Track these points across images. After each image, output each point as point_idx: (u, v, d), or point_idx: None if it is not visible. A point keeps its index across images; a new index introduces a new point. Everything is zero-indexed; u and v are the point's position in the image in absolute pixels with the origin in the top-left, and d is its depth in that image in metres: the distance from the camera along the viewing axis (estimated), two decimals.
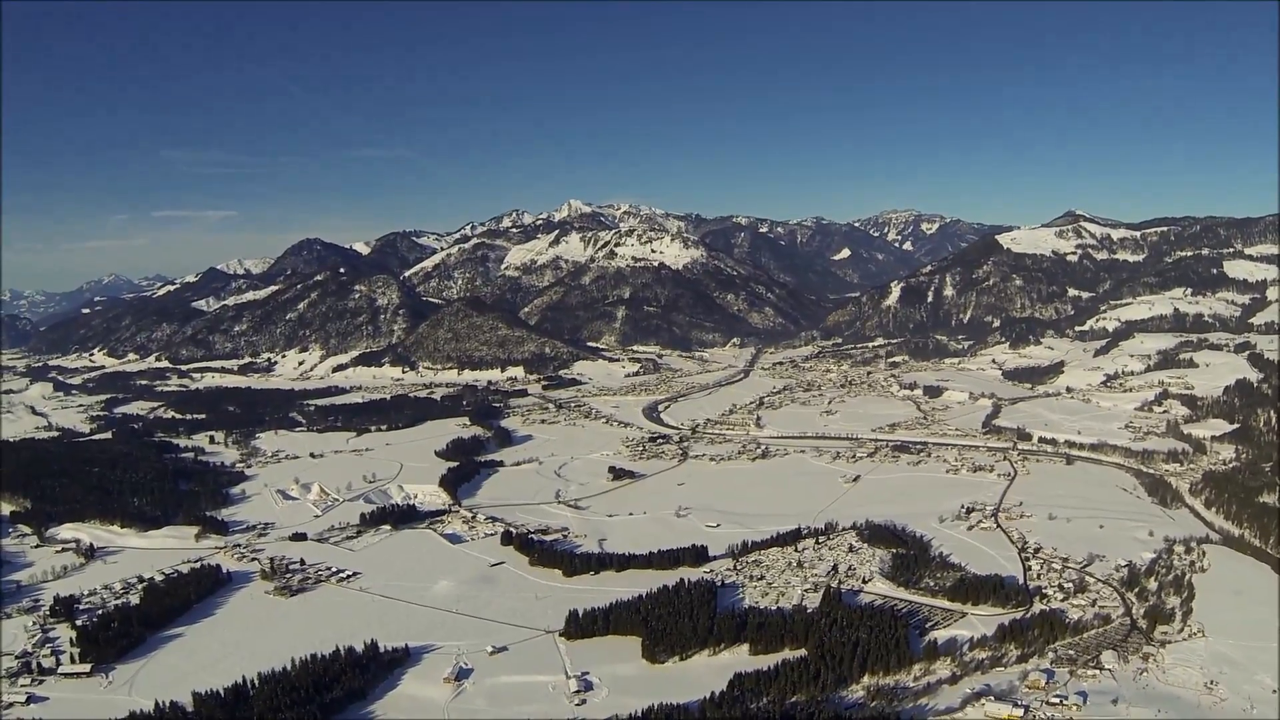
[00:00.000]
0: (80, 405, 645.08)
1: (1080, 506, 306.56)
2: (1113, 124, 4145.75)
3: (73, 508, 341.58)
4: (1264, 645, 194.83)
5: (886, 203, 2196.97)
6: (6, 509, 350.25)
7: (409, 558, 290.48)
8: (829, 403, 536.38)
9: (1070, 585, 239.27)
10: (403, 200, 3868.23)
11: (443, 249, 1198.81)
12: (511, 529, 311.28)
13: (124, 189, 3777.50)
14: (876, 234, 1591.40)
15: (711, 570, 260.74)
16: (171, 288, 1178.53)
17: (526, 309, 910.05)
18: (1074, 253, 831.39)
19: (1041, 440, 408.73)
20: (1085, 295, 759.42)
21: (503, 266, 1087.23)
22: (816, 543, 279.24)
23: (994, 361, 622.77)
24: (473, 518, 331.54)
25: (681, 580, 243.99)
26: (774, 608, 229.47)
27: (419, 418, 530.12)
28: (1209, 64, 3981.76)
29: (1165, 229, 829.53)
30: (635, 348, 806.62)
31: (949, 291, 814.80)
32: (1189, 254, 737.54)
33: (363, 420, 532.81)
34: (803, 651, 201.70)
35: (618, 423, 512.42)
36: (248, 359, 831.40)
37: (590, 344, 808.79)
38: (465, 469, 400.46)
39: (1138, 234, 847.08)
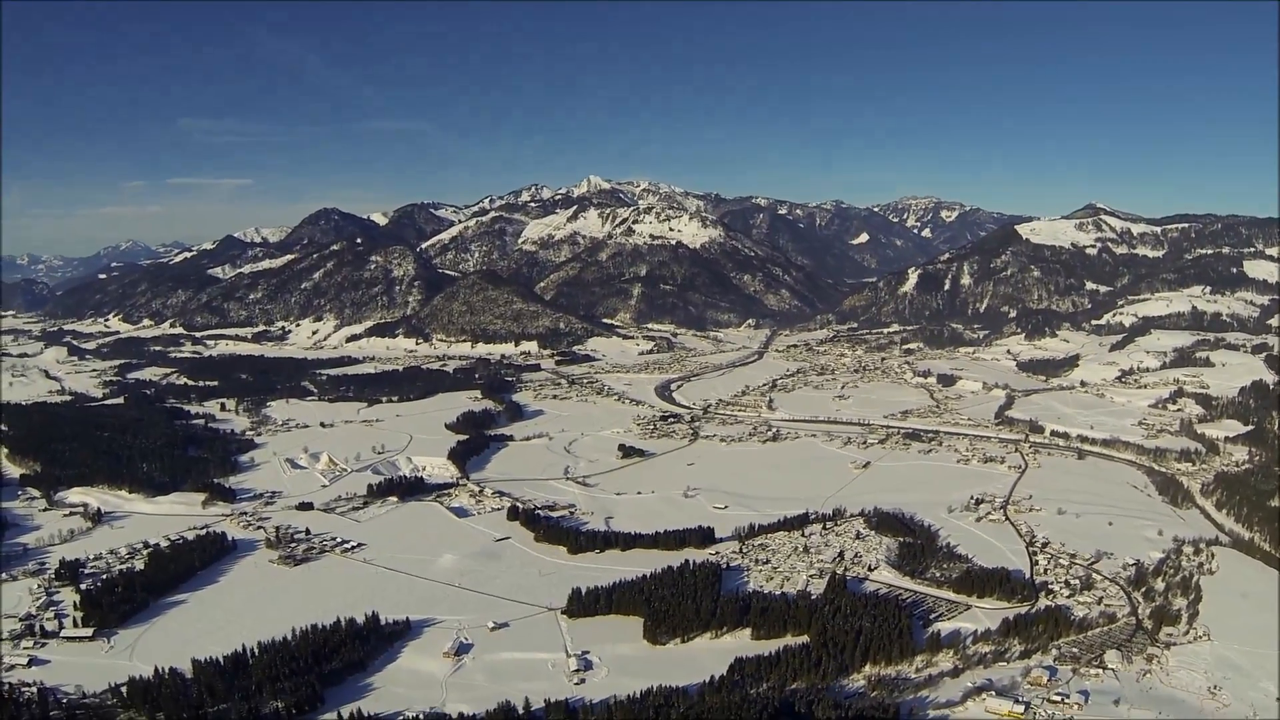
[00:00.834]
0: (94, 370, 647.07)
1: (1090, 502, 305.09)
2: (1137, 118, 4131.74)
3: (82, 472, 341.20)
4: (1270, 652, 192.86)
5: (907, 188, 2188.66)
6: (16, 472, 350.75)
7: (414, 530, 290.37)
8: (842, 387, 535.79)
9: (1077, 582, 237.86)
10: (421, 173, 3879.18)
11: (460, 222, 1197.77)
12: (518, 504, 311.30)
13: (141, 156, 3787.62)
14: (896, 220, 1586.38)
15: (717, 552, 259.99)
16: (188, 255, 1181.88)
17: (542, 284, 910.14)
18: (1093, 246, 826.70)
19: (1054, 433, 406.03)
20: (1103, 289, 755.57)
21: (520, 241, 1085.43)
22: (824, 528, 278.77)
23: (1009, 352, 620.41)
24: (480, 491, 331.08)
25: (686, 561, 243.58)
26: (778, 592, 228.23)
27: (430, 390, 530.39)
28: (1236, 61, 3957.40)
29: (1186, 225, 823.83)
30: (650, 326, 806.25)
31: (966, 280, 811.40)
32: (1209, 252, 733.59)
33: (374, 391, 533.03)
34: (805, 638, 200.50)
35: (630, 400, 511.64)
36: (262, 327, 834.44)
37: (605, 321, 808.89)
38: (475, 442, 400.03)
39: (1158, 229, 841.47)
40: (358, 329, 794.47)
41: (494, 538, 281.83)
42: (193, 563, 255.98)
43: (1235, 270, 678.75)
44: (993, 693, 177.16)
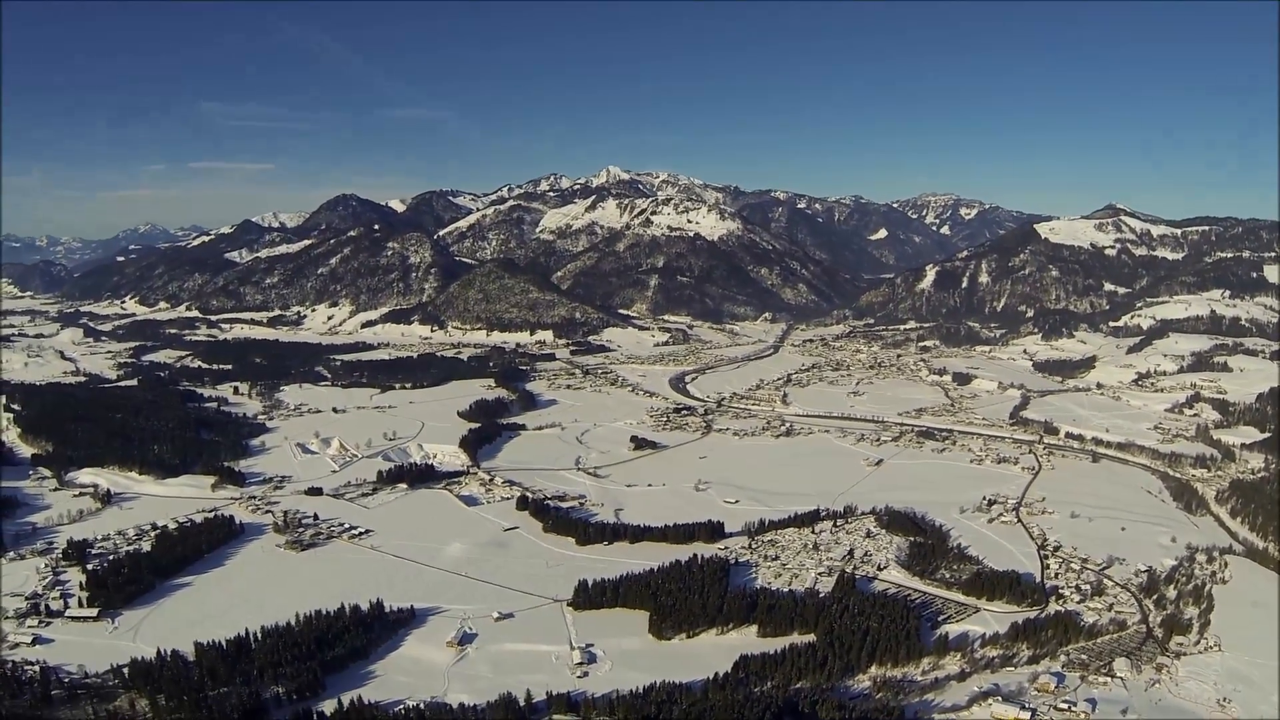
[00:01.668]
0: (109, 352, 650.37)
1: (1103, 506, 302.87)
2: (1159, 118, 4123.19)
3: (93, 452, 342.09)
4: None
5: (926, 185, 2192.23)
6: (28, 451, 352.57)
7: (423, 518, 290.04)
8: (857, 383, 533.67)
9: (1088, 587, 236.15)
10: (441, 161, 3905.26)
11: (478, 210, 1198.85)
12: (528, 494, 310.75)
13: (162, 140, 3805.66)
14: (915, 216, 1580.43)
15: (726, 547, 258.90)
16: (206, 238, 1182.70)
17: (559, 273, 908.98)
18: (1112, 246, 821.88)
19: (1068, 435, 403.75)
20: (1121, 290, 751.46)
21: (538, 230, 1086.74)
22: (834, 525, 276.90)
23: (1025, 352, 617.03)
24: (490, 480, 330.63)
25: (695, 556, 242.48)
26: (786, 590, 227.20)
27: (444, 377, 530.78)
28: (1262, 61, 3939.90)
29: (1206, 228, 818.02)
30: (666, 317, 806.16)
31: (984, 278, 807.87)
32: (1229, 255, 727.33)
33: (388, 377, 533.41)
34: (812, 637, 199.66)
35: (643, 392, 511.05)
36: (277, 311, 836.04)
37: (621, 311, 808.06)
38: (487, 431, 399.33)
39: (1178, 231, 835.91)
40: (373, 315, 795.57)
41: (503, 527, 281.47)
42: (200, 545, 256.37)
43: (1255, 275, 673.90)
44: (999, 698, 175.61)
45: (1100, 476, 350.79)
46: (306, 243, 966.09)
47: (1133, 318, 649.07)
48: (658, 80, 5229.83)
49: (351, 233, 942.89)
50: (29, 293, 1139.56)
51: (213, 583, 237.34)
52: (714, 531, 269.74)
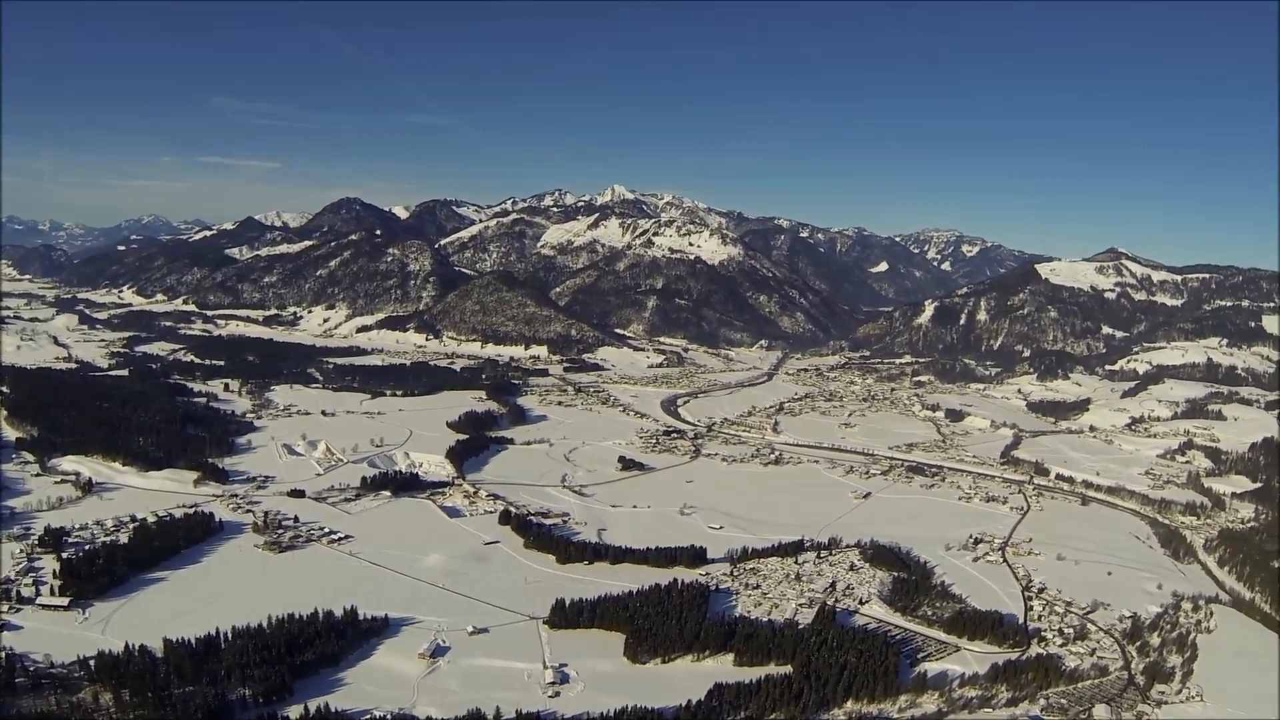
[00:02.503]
0: (102, 340, 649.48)
1: (1090, 550, 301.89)
2: (1163, 164, 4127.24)
3: (78, 440, 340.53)
4: (1264, 718, 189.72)
5: (929, 220, 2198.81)
6: (13, 435, 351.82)
7: (404, 526, 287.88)
8: (849, 415, 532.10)
9: (1071, 631, 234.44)
10: (447, 169, 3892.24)
11: (481, 221, 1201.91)
12: (511, 508, 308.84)
13: (173, 132, 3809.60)
14: (916, 250, 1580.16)
15: (708, 573, 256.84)
16: (208, 233, 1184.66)
17: (558, 289, 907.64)
18: (1112, 290, 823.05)
19: (1059, 477, 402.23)
20: (1119, 334, 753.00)
21: (539, 244, 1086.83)
22: (818, 557, 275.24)
23: (1020, 391, 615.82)
24: (474, 493, 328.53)
25: (675, 580, 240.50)
26: (765, 619, 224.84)
27: (436, 386, 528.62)
28: (1266, 110, 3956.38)
29: (1207, 276, 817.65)
30: (662, 339, 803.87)
31: (982, 316, 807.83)
32: (1228, 304, 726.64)
33: (379, 383, 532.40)
34: (788, 668, 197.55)
35: (634, 413, 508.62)
36: (273, 311, 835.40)
37: (618, 331, 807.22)
38: (474, 443, 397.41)
39: (1178, 278, 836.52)
40: (369, 320, 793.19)
41: (483, 540, 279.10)
42: (177, 541, 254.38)
43: (1254, 324, 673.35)
44: None
45: (1089, 519, 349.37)
46: (307, 244, 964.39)
47: (1129, 362, 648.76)
48: (667, 101, 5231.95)
49: (353, 236, 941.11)
50: (28, 276, 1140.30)
51: (187, 579, 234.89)
52: (696, 557, 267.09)
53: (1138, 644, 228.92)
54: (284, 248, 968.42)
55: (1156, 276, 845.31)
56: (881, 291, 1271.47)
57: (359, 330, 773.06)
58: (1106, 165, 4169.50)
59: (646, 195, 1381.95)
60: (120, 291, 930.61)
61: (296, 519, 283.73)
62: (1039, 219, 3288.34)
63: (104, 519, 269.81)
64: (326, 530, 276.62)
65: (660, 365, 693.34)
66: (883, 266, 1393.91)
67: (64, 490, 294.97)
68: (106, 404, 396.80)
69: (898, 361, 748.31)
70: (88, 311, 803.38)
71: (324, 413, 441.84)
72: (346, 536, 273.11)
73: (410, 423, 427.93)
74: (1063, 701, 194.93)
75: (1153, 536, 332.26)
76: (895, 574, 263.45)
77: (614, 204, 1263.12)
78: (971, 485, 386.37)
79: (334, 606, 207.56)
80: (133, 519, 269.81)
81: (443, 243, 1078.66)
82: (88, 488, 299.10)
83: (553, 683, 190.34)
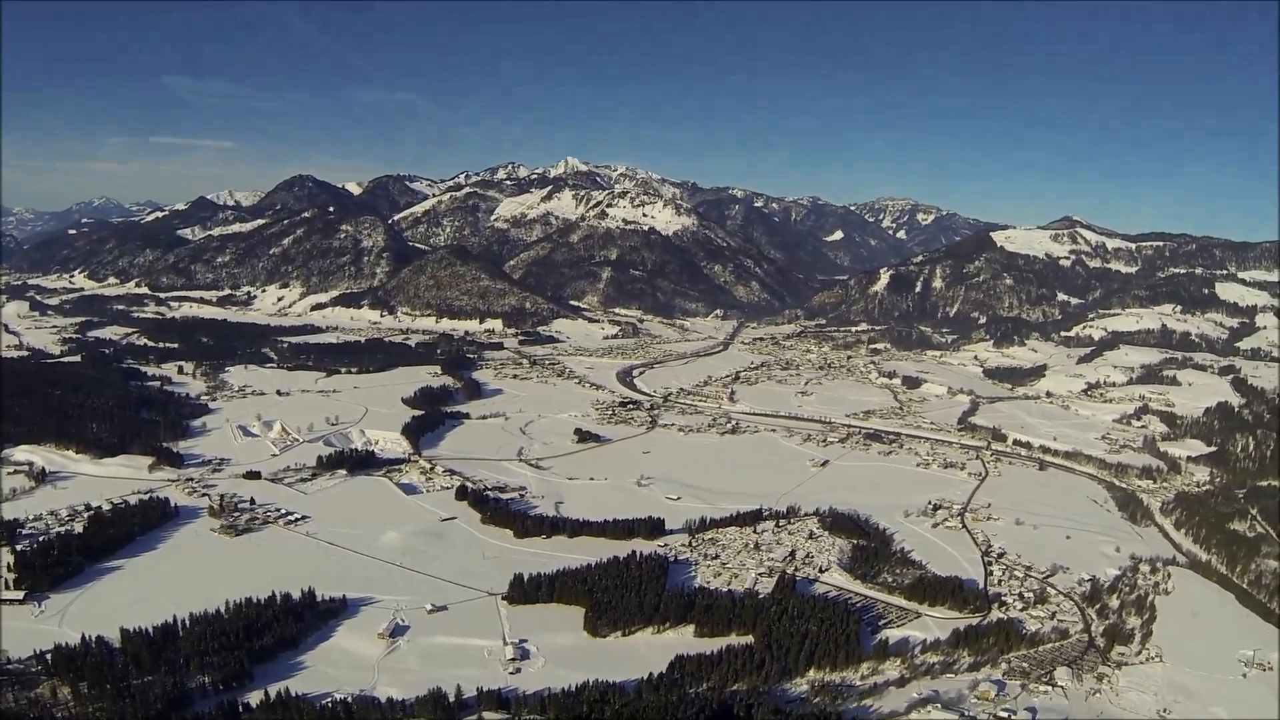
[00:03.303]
0: (54, 326, 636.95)
1: (1049, 514, 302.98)
2: (1118, 132, 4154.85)
3: (30, 429, 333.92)
4: (1223, 676, 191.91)
5: (884, 189, 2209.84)
6: None
7: (360, 505, 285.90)
8: (805, 383, 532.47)
9: (1031, 595, 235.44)
10: (401, 145, 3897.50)
11: (435, 196, 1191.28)
12: (468, 484, 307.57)
13: (123, 112, 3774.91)
14: (871, 219, 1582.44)
15: (666, 544, 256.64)
16: (160, 214, 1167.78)
17: (512, 262, 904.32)
18: (1067, 258, 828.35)
19: (1016, 442, 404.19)
20: (1074, 301, 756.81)
21: (493, 218, 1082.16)
22: (777, 525, 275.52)
23: (976, 358, 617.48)
24: (431, 469, 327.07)
25: (633, 552, 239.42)
26: (725, 589, 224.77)
27: (391, 363, 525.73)
28: (1223, 81, 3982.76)
29: (1161, 244, 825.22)
30: (617, 310, 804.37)
31: (938, 283, 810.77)
32: (1182, 271, 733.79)
33: (334, 361, 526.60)
34: (750, 638, 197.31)
35: (590, 384, 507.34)
36: (227, 291, 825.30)
37: (572, 303, 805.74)
38: (430, 418, 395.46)
39: (1133, 246, 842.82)
40: (323, 298, 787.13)
41: (440, 517, 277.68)
42: (132, 528, 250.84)
43: (1207, 291, 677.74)
44: (938, 705, 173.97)
45: (1047, 484, 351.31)
46: (260, 222, 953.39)
47: (1084, 328, 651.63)
48: (620, 73, 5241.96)
49: (305, 214, 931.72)
50: None
51: (144, 566, 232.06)
52: (654, 528, 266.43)
53: (1097, 606, 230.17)
54: (236, 227, 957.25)
55: (1111, 244, 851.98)
56: (837, 260, 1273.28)
57: (313, 308, 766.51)
58: (1060, 133, 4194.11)
59: (600, 167, 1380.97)
60: (71, 276, 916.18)
61: (253, 501, 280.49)
62: (993, 188, 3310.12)
63: (58, 509, 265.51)
64: (283, 511, 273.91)
65: (615, 336, 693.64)
66: (838, 235, 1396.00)
67: (17, 481, 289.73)
68: (59, 391, 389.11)
69: (854, 329, 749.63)
70: (38, 298, 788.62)
71: (279, 392, 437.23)
72: (303, 517, 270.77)
73: (365, 400, 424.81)
74: (1024, 665, 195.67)
75: (1110, 500, 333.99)
76: (855, 541, 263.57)
77: (567, 176, 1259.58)
78: (929, 452, 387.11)
79: (292, 589, 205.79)
80: (87, 507, 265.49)
81: (396, 218, 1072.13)
82: (41, 477, 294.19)
83: (513, 659, 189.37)
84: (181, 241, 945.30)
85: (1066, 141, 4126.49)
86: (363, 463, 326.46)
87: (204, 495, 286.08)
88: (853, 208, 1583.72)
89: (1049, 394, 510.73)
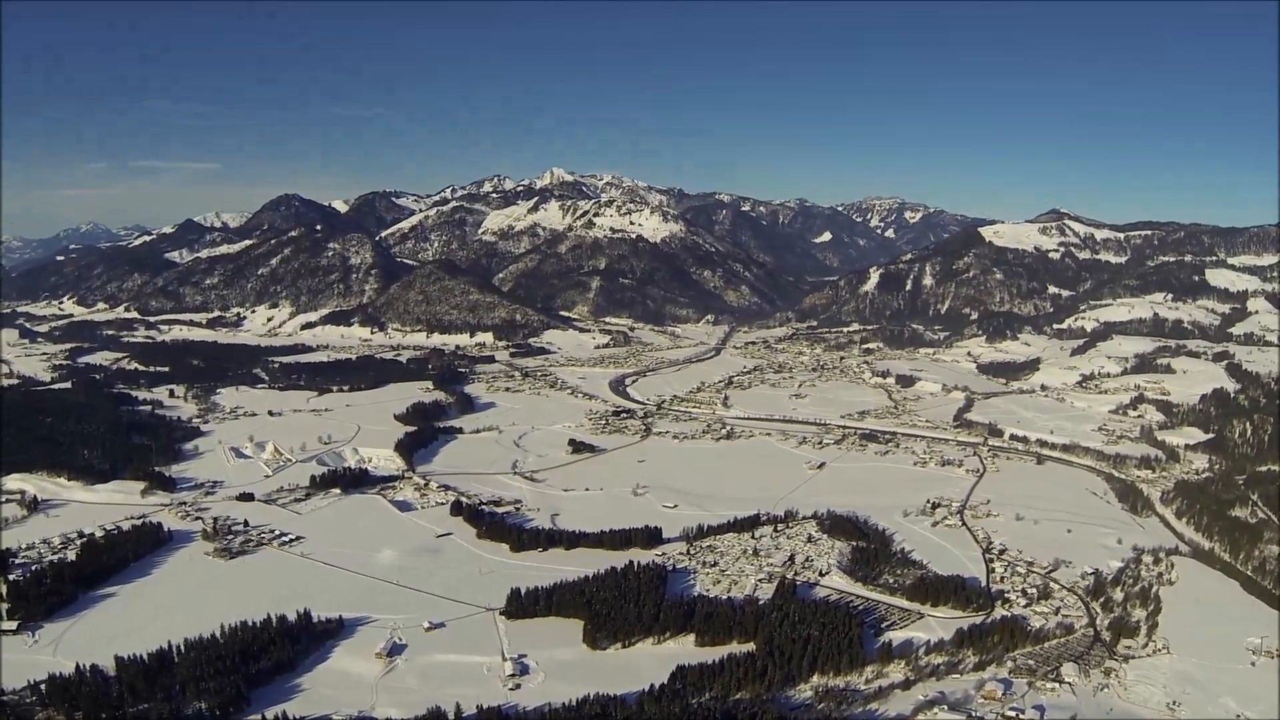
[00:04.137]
0: (44, 354, 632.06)
1: (1049, 508, 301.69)
2: (1102, 124, 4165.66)
3: (21, 458, 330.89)
4: (1230, 666, 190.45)
5: (871, 189, 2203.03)
6: None
7: (355, 523, 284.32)
8: (799, 386, 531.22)
9: (1034, 591, 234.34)
10: (385, 161, 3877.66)
11: (421, 211, 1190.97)
12: (463, 499, 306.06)
13: (104, 137, 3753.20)
14: (859, 219, 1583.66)
15: (664, 553, 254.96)
16: (148, 238, 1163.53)
17: (501, 275, 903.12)
18: (1056, 250, 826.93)
19: (1013, 437, 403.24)
20: (1065, 293, 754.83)
21: (480, 231, 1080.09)
22: (775, 530, 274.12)
23: (969, 354, 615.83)
24: (425, 485, 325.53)
25: (631, 563, 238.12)
26: (725, 597, 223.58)
27: (382, 379, 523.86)
28: (1202, 68, 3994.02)
29: (1149, 232, 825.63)
30: (607, 319, 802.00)
31: (928, 281, 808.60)
32: (1171, 259, 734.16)
33: (326, 380, 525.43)
34: (751, 646, 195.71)
35: (583, 394, 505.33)
36: (217, 313, 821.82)
37: (563, 313, 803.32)
38: (423, 434, 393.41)
39: (1121, 236, 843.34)
40: (313, 317, 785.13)
41: (436, 533, 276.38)
42: (126, 554, 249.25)
43: (1197, 278, 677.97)
44: (945, 707, 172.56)
45: (1045, 478, 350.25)
46: (247, 243, 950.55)
47: (1076, 320, 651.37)
48: (603, 83, 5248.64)
49: (293, 233, 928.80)
50: None
51: (138, 593, 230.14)
52: (651, 537, 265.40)
53: (1101, 600, 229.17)
54: (224, 248, 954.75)
55: (1099, 235, 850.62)
56: (826, 261, 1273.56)
57: (303, 327, 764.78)
58: (1044, 125, 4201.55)
59: (586, 177, 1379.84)
60: (61, 302, 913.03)
61: (246, 523, 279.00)
62: (980, 183, 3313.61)
63: (50, 537, 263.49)
64: (277, 533, 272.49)
65: (607, 346, 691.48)
66: (826, 236, 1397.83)
67: (9, 510, 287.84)
68: (49, 419, 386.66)
69: (845, 330, 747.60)
70: (28, 325, 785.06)
71: (271, 413, 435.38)
72: (298, 538, 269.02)
73: (358, 418, 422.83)
74: (1030, 662, 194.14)
75: (1109, 492, 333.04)
76: (854, 543, 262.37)
77: (553, 187, 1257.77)
78: (926, 450, 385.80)
79: (287, 611, 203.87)
80: (80, 535, 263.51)
81: (383, 235, 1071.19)
82: (33, 506, 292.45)
83: (513, 675, 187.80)
84: (170, 264, 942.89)
85: (1051, 134, 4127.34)
86: (356, 481, 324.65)
87: (197, 519, 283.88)
88: (840, 208, 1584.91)
89: (1044, 387, 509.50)
